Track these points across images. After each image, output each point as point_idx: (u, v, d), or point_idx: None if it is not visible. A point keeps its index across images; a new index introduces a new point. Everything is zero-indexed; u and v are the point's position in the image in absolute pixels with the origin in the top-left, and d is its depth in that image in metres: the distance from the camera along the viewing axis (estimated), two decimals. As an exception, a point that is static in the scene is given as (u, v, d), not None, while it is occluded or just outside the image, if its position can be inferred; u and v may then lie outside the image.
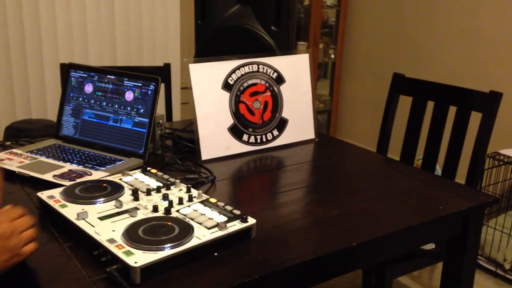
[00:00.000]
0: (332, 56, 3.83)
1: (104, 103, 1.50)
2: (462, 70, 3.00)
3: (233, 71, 1.55)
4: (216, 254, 0.95)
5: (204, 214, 1.02)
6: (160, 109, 1.53)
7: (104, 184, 1.14)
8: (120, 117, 1.47)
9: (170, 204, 1.04)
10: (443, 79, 1.88)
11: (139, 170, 1.26)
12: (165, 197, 1.09)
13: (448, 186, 1.35)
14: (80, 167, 1.33)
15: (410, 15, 3.30)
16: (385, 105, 1.93)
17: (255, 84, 1.59)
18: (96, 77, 1.52)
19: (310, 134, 1.70)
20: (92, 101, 1.51)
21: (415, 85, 1.85)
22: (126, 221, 0.98)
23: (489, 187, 2.41)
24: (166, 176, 1.21)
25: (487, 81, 2.83)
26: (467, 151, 1.65)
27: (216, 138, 1.50)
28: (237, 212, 1.03)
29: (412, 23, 3.29)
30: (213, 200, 1.09)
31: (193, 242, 0.92)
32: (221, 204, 1.07)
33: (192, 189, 1.13)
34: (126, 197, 1.09)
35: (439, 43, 3.13)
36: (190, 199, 1.08)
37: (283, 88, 1.64)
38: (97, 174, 1.28)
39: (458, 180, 1.51)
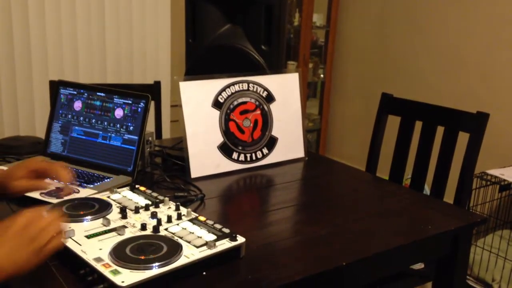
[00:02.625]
0: (322, 75, 3.87)
1: (93, 120, 1.49)
2: (450, 90, 3.04)
3: (223, 90, 1.55)
4: (204, 273, 0.94)
5: (193, 233, 1.01)
6: (150, 126, 1.53)
7: (92, 202, 1.13)
8: (109, 134, 1.46)
9: (159, 222, 1.03)
10: (431, 99, 1.90)
11: (127, 187, 1.24)
12: (154, 215, 1.08)
13: (437, 206, 1.35)
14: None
15: (398, 36, 3.35)
16: (374, 125, 1.94)
17: (245, 103, 1.59)
18: (85, 94, 1.51)
19: (299, 152, 1.70)
20: (81, 118, 1.51)
21: (403, 105, 1.87)
22: (113, 239, 0.97)
23: (477, 207, 2.42)
24: (154, 194, 1.20)
25: (475, 102, 2.87)
26: (455, 171, 1.66)
27: (205, 156, 1.50)
28: (226, 230, 1.02)
29: (400, 44, 3.34)
30: (202, 218, 1.08)
31: (182, 261, 0.91)
32: (210, 222, 1.06)
33: (181, 207, 1.12)
34: (114, 215, 1.08)
35: (427, 63, 3.17)
36: (179, 217, 1.07)
37: (273, 106, 1.65)
38: (84, 192, 1.27)
39: (446, 200, 1.52)
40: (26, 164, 1.14)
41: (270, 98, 1.64)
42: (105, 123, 1.47)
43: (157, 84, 2.11)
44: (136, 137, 1.43)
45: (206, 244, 0.96)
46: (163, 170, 1.51)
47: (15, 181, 1.11)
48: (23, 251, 0.82)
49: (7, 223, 0.85)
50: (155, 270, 0.87)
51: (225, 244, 0.97)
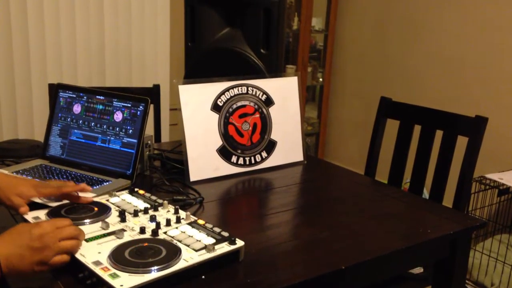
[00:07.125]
0: (320, 79, 3.87)
1: (92, 124, 1.49)
2: (448, 94, 3.05)
3: (222, 93, 1.55)
4: (203, 277, 0.93)
5: (192, 236, 1.01)
6: (149, 130, 1.52)
7: (91, 205, 1.13)
8: (108, 137, 1.46)
9: (158, 225, 1.03)
10: (430, 103, 1.90)
11: (126, 191, 1.24)
12: (153, 218, 1.08)
13: (436, 210, 1.35)
14: (67, 188, 1.31)
15: (397, 40, 3.35)
16: (372, 128, 1.94)
17: (244, 106, 1.59)
18: (85, 97, 1.51)
19: (298, 156, 1.70)
20: (81, 121, 1.51)
21: (402, 109, 1.87)
22: (112, 243, 0.97)
23: (476, 211, 2.42)
24: (153, 197, 1.20)
25: (473, 106, 2.88)
26: (454, 175, 1.66)
27: (204, 160, 1.50)
28: (225, 234, 1.02)
29: (398, 47, 3.35)
30: (201, 221, 1.08)
31: (181, 264, 0.91)
32: (209, 225, 1.06)
33: (180, 211, 1.12)
34: (113, 219, 1.08)
35: (426, 67, 3.18)
36: (178, 220, 1.07)
37: (272, 110, 1.65)
38: (84, 195, 1.26)
39: (445, 204, 1.52)
40: (39, 190, 1.12)
41: (269, 102, 1.65)
42: (104, 126, 1.47)
43: (156, 88, 2.11)
44: (135, 140, 1.43)
45: (205, 247, 0.96)
46: (162, 173, 1.51)
47: (17, 197, 1.10)
48: (27, 259, 0.86)
49: (26, 227, 0.89)
50: (154, 273, 0.87)
51: (224, 248, 0.97)
